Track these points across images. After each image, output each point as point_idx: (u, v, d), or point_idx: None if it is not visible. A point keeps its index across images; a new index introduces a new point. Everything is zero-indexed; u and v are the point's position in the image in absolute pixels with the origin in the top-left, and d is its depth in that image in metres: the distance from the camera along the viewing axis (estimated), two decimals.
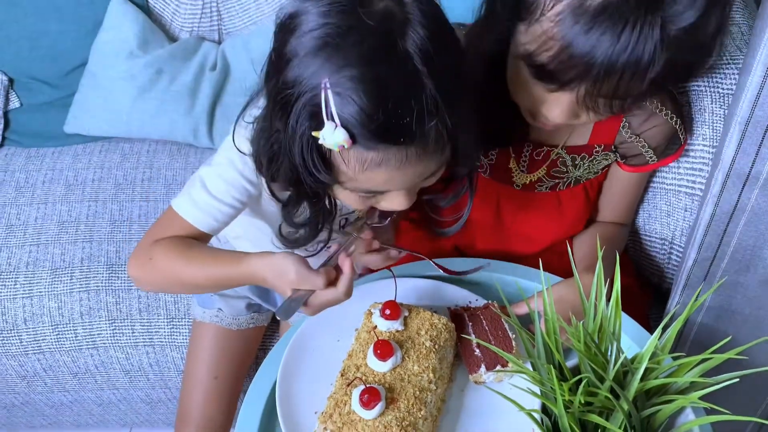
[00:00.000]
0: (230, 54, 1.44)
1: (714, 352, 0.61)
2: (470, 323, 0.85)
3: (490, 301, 0.87)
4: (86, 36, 1.40)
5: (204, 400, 1.00)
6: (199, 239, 0.79)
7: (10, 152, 1.40)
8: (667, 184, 0.96)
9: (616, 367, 0.58)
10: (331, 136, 0.61)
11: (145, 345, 1.13)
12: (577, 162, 0.92)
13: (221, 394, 1.01)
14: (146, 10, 1.44)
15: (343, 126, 0.61)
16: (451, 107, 0.63)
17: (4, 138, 1.42)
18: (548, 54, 0.68)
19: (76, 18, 1.39)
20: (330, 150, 0.64)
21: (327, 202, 0.74)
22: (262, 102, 0.75)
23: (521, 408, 0.62)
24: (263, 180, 0.75)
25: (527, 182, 0.95)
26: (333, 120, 0.60)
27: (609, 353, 0.62)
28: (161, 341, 1.13)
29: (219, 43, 1.47)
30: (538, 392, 0.65)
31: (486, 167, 0.96)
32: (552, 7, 0.66)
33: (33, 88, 1.43)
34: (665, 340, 0.62)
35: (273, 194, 0.75)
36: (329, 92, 0.60)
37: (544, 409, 0.66)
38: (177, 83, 1.38)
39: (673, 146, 0.90)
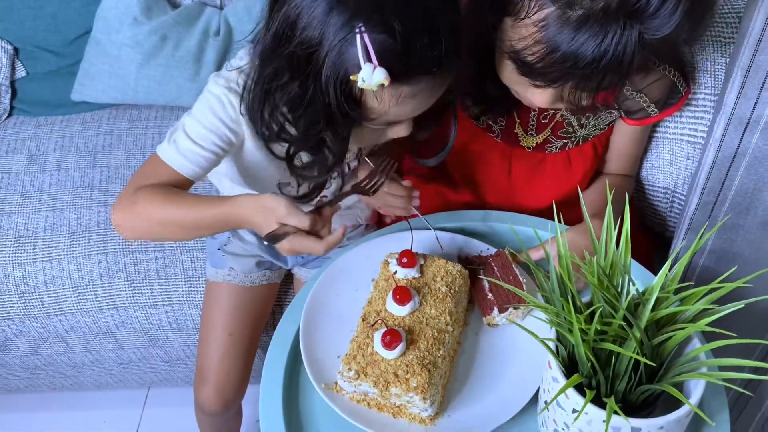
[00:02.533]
0: (233, 19, 1.45)
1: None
2: (482, 270, 0.88)
3: (501, 249, 0.90)
4: (89, 3, 1.40)
5: (220, 356, 1.04)
6: (181, 187, 0.82)
7: (18, 121, 1.42)
8: (669, 134, 0.99)
9: (628, 298, 0.62)
10: (371, 77, 0.65)
11: (164, 304, 1.17)
12: (582, 121, 0.95)
13: (237, 351, 1.04)
14: None
15: (381, 66, 0.64)
16: (461, 35, 0.70)
17: (12, 107, 1.44)
18: (535, 56, 0.71)
19: None
20: (362, 91, 0.68)
21: (337, 147, 0.76)
22: (243, 54, 0.81)
23: (536, 337, 0.66)
24: (262, 141, 0.78)
25: (536, 144, 0.98)
26: (371, 62, 0.64)
27: (620, 288, 0.65)
28: (179, 300, 1.17)
29: (221, 8, 1.48)
30: (552, 333, 0.69)
31: (498, 132, 0.99)
32: (536, 12, 0.69)
33: (38, 56, 1.44)
34: (673, 273, 0.65)
35: (272, 153, 0.79)
36: (365, 36, 0.62)
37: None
38: (182, 49, 1.39)
39: (674, 98, 0.93)
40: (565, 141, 0.97)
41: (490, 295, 0.85)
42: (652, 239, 1.11)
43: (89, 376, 1.31)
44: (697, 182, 0.86)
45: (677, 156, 0.99)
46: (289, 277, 1.16)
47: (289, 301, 0.95)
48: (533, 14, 0.69)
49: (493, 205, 1.03)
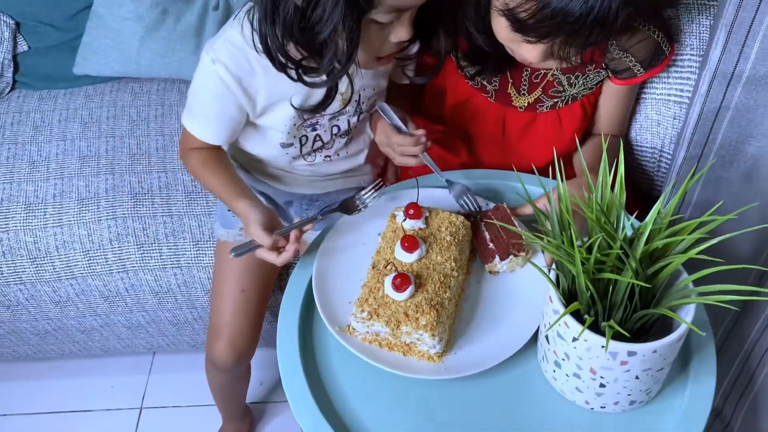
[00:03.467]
0: None
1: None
2: (482, 223, 0.93)
3: (500, 203, 0.95)
4: None
5: (233, 311, 1.08)
6: (217, 148, 0.98)
7: (22, 94, 1.44)
8: (657, 94, 1.04)
9: (624, 230, 0.67)
10: None
11: (173, 267, 1.21)
12: (572, 81, 1.00)
13: (249, 306, 1.09)
14: None
15: None
16: None
17: (15, 81, 1.46)
18: (527, 12, 0.77)
19: None
20: None
21: (347, 47, 0.81)
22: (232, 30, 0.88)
23: (539, 269, 0.71)
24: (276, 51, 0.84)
25: (527, 103, 1.03)
26: None
27: (616, 225, 0.71)
28: (188, 263, 1.21)
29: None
30: (552, 275, 0.74)
31: (491, 93, 1.04)
32: None
33: (40, 31, 1.47)
34: (666, 210, 0.71)
35: (287, 56, 0.85)
36: None
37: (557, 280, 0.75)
38: (182, 23, 1.42)
39: (658, 58, 0.98)
40: (555, 100, 1.02)
41: (491, 245, 0.91)
42: (640, 199, 1.16)
43: (98, 340, 1.35)
44: (683, 136, 0.92)
45: (664, 116, 1.05)
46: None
47: (295, 263, 1.00)
48: None
49: (489, 164, 1.08)
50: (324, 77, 0.85)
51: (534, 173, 0.93)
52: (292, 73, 0.87)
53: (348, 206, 0.96)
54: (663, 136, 1.06)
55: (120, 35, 1.41)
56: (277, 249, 0.88)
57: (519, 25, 0.80)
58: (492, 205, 0.97)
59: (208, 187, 1.00)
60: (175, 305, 1.26)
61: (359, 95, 0.99)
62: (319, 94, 0.93)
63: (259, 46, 0.86)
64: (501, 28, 0.85)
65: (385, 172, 1.19)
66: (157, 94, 1.42)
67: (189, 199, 1.23)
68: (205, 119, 0.96)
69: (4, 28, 1.43)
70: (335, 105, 0.96)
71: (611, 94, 1.03)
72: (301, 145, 1.01)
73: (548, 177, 0.97)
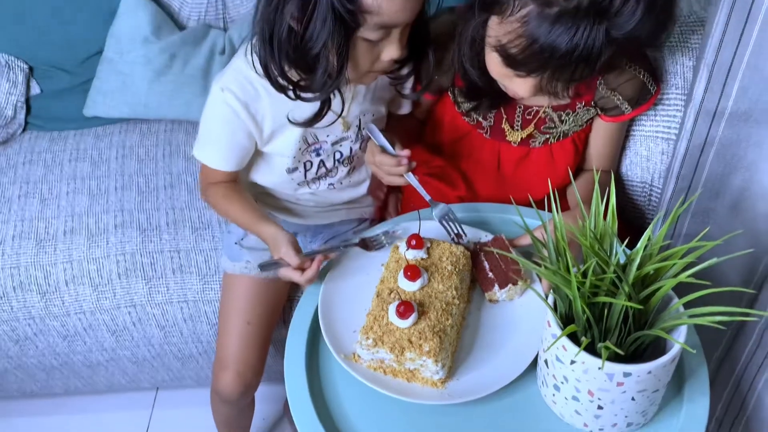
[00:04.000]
0: (237, 40, 1.54)
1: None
2: (482, 253, 0.97)
3: (498, 234, 0.99)
4: (102, 25, 1.49)
5: (239, 343, 1.10)
6: (234, 174, 1.05)
7: (33, 135, 1.49)
8: (645, 131, 1.10)
9: (617, 256, 0.71)
10: None
11: (179, 301, 1.24)
12: (563, 118, 1.06)
13: (255, 339, 1.11)
14: (156, 1, 1.54)
15: None
16: None
17: (26, 123, 1.51)
18: (517, 48, 0.83)
19: (91, 8, 1.49)
20: None
21: (336, 62, 0.87)
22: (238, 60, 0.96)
23: (537, 294, 0.74)
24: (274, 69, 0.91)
25: (520, 139, 1.08)
26: None
27: (609, 252, 0.75)
28: (194, 297, 1.23)
29: (225, 30, 1.58)
30: (550, 300, 0.78)
31: (487, 129, 1.09)
32: (519, 10, 0.82)
33: (52, 75, 1.52)
34: (656, 238, 0.75)
35: (287, 76, 0.91)
36: None
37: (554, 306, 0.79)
38: (190, 66, 1.48)
39: (645, 96, 1.04)
40: (547, 136, 1.07)
41: (490, 274, 0.94)
42: (632, 231, 1.20)
43: (103, 376, 1.37)
44: (672, 170, 0.97)
45: (653, 152, 1.10)
46: None
47: (299, 297, 1.03)
48: (516, 12, 0.82)
49: (486, 197, 1.13)
50: (319, 90, 0.92)
51: (531, 206, 0.98)
52: (290, 93, 0.93)
53: (367, 243, 1.00)
54: (652, 171, 1.11)
55: (130, 78, 1.47)
56: (302, 269, 0.93)
57: (510, 61, 0.86)
58: (491, 236, 1.00)
59: (232, 217, 1.06)
60: (180, 339, 1.28)
61: (359, 120, 1.05)
62: (326, 119, 0.98)
63: (260, 69, 0.93)
64: (494, 63, 0.91)
65: (386, 205, 1.23)
66: (165, 134, 1.47)
67: (196, 235, 1.26)
68: (215, 146, 1.02)
69: (18, 72, 1.49)
70: (337, 129, 1.02)
71: (601, 131, 1.08)
72: (306, 171, 1.07)
73: (543, 209, 1.01)
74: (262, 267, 0.96)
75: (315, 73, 0.89)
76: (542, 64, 0.83)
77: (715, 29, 0.81)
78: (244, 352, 1.10)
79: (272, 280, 1.14)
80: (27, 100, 1.51)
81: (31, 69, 1.52)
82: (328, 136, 1.04)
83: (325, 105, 0.96)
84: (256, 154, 1.05)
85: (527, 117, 1.06)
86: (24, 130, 1.51)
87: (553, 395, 0.81)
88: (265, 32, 0.89)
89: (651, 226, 0.74)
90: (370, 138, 1.05)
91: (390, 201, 1.24)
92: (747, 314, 0.69)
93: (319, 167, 1.07)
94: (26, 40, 1.49)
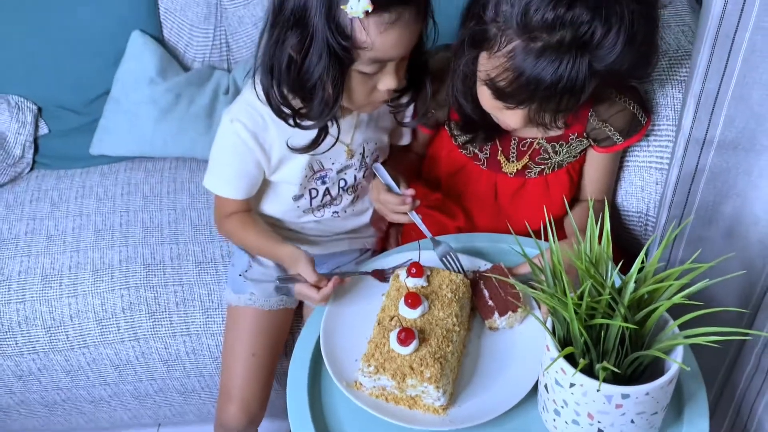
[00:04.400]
0: (240, 80, 1.59)
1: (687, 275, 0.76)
2: (481, 281, 0.99)
3: (497, 263, 1.01)
4: (109, 67, 1.53)
5: (244, 375, 1.11)
6: (248, 202, 1.09)
7: (40, 174, 1.52)
8: (639, 162, 1.12)
9: (612, 278, 0.73)
10: (358, 5, 0.83)
11: (182, 335, 1.25)
12: (557, 149, 1.09)
13: (259, 370, 1.12)
14: (162, 43, 1.59)
15: None
16: None
17: (34, 162, 1.54)
18: (505, 80, 0.88)
19: (99, 51, 1.53)
20: (352, 26, 0.86)
21: (332, 92, 0.92)
22: (247, 92, 1.00)
23: (533, 314, 0.76)
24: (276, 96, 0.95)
25: (516, 170, 1.11)
26: None
27: (605, 276, 0.77)
28: (197, 330, 1.25)
29: (228, 71, 1.62)
30: (549, 323, 0.79)
31: (483, 160, 1.13)
32: (506, 45, 0.87)
33: (60, 115, 1.56)
34: (651, 261, 0.76)
35: (288, 104, 0.96)
36: None
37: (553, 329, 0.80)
38: (195, 106, 1.52)
39: (636, 127, 1.07)
40: (542, 167, 1.10)
41: (490, 302, 0.96)
42: (629, 260, 1.22)
43: (105, 411, 1.37)
44: (664, 199, 0.99)
45: (647, 182, 1.12)
46: (300, 308, 1.25)
47: (301, 330, 1.04)
48: (504, 47, 0.86)
49: (484, 228, 1.15)
50: (316, 119, 0.96)
51: (529, 235, 1.00)
52: (290, 120, 0.97)
53: (381, 275, 1.02)
54: (647, 201, 1.14)
55: (136, 117, 1.50)
56: (317, 287, 0.96)
57: (499, 93, 0.90)
58: (490, 265, 1.02)
59: (249, 243, 1.11)
60: (183, 373, 1.29)
61: (363, 148, 1.09)
62: (324, 145, 1.03)
63: (263, 96, 0.97)
64: (485, 97, 0.95)
65: (387, 236, 1.25)
66: (170, 171, 1.50)
67: (199, 269, 1.28)
68: (225, 176, 1.07)
69: (27, 113, 1.53)
70: (342, 157, 1.06)
71: (595, 162, 1.11)
72: (312, 198, 1.10)
73: (540, 239, 1.03)
74: (280, 279, 1.00)
75: (312, 102, 0.94)
76: (529, 95, 0.87)
77: (700, 61, 0.85)
78: (249, 383, 1.11)
79: (276, 312, 1.16)
80: (35, 140, 1.54)
81: (39, 109, 1.56)
82: (333, 163, 1.07)
83: (323, 132, 0.99)
84: (264, 184, 1.08)
85: (522, 148, 1.09)
86: (32, 168, 1.53)
87: (554, 420, 0.82)
88: (267, 63, 0.93)
89: (644, 249, 0.76)
90: (375, 176, 1.08)
91: (391, 232, 1.26)
92: (742, 334, 0.71)
93: (324, 195, 1.10)
94: (36, 81, 1.53)
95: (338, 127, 1.01)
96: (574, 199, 1.16)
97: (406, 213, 1.03)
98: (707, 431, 0.81)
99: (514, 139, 1.08)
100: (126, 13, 1.53)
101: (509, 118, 0.95)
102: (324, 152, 1.04)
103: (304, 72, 0.90)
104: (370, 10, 0.83)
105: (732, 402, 0.99)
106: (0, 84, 1.53)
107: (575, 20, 0.81)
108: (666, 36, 1.12)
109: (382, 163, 1.09)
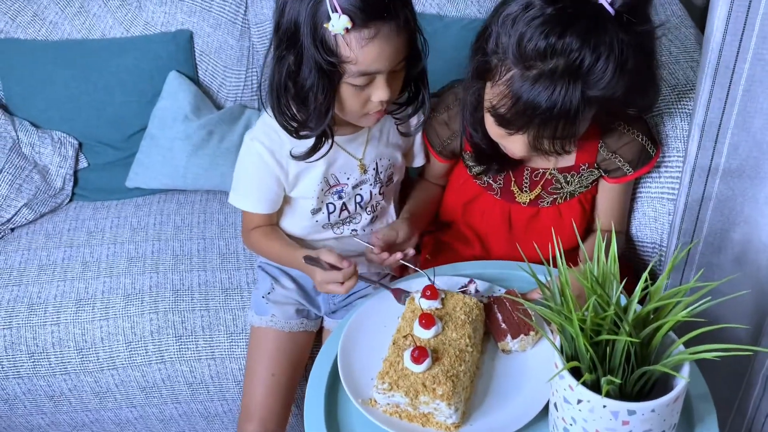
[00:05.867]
0: None
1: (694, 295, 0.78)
2: (495, 305, 1.01)
3: (510, 288, 1.04)
4: (146, 105, 1.62)
5: (264, 395, 1.15)
6: (271, 216, 1.16)
7: (78, 205, 1.60)
8: (651, 193, 1.15)
9: (617, 294, 0.75)
10: (338, 22, 0.90)
11: (207, 358, 1.29)
12: (568, 179, 1.13)
13: (279, 390, 1.16)
14: (197, 83, 1.68)
15: (344, 14, 0.90)
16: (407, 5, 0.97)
17: (73, 194, 1.63)
18: (505, 107, 0.93)
19: (137, 90, 1.63)
20: (336, 43, 0.93)
21: (323, 103, 0.99)
22: (265, 114, 1.08)
23: (543, 334, 0.78)
24: (283, 108, 1.03)
25: (529, 200, 1.15)
26: (337, 11, 0.90)
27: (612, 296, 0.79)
28: (221, 354, 1.29)
29: (259, 109, 1.70)
30: (557, 340, 0.82)
31: (497, 190, 1.17)
32: (505, 75, 0.92)
33: (99, 150, 1.65)
34: (657, 283, 0.79)
35: (293, 117, 1.03)
36: None
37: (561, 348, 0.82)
38: (226, 142, 1.60)
39: (646, 159, 1.11)
40: (555, 196, 1.14)
41: (503, 325, 0.98)
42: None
43: None
44: (674, 225, 1.02)
45: (659, 212, 1.15)
46: (320, 333, 1.28)
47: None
48: (503, 76, 0.92)
49: (498, 255, 1.18)
50: (312, 129, 1.02)
51: (542, 262, 1.03)
52: (294, 133, 1.04)
53: (400, 294, 1.05)
54: (661, 231, 1.16)
55: (170, 152, 1.58)
56: (341, 283, 1.02)
57: (500, 120, 0.95)
58: (503, 290, 1.05)
59: (273, 253, 1.17)
60: (206, 397, 1.33)
61: (376, 164, 1.15)
62: (340, 162, 1.11)
63: (270, 110, 1.04)
64: (490, 124, 1.00)
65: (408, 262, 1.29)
66: (200, 203, 1.57)
67: (225, 295, 1.33)
68: (248, 191, 1.14)
69: (68, 147, 1.62)
70: (356, 172, 1.13)
71: (607, 192, 1.14)
72: (329, 213, 1.15)
73: (558, 253, 1.06)
74: (306, 258, 1.04)
75: (309, 113, 1.01)
76: (527, 121, 0.92)
77: (702, 91, 0.89)
78: (267, 402, 1.15)
79: (296, 334, 1.20)
80: (75, 173, 1.63)
81: (80, 144, 1.65)
82: (348, 178, 1.13)
83: (320, 141, 1.06)
84: (285, 201, 1.15)
85: (534, 179, 1.13)
86: (70, 200, 1.62)
87: None
88: (271, 79, 1.01)
89: (648, 269, 0.79)
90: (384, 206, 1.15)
91: (410, 260, 1.29)
92: (745, 350, 0.72)
93: (341, 210, 1.16)
94: (78, 119, 1.63)
95: (332, 137, 1.06)
96: (588, 229, 1.19)
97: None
98: None
99: (527, 170, 1.12)
100: (164, 55, 1.63)
101: (513, 145, 1.00)
102: (320, 157, 1.08)
103: (300, 86, 0.98)
104: (349, 27, 0.91)
105: (743, 425, 0.99)
106: (45, 120, 1.63)
107: (565, 49, 0.87)
108: (675, 71, 1.16)
109: (402, 193, 1.15)
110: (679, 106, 1.12)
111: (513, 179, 1.14)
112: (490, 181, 1.15)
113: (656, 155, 1.11)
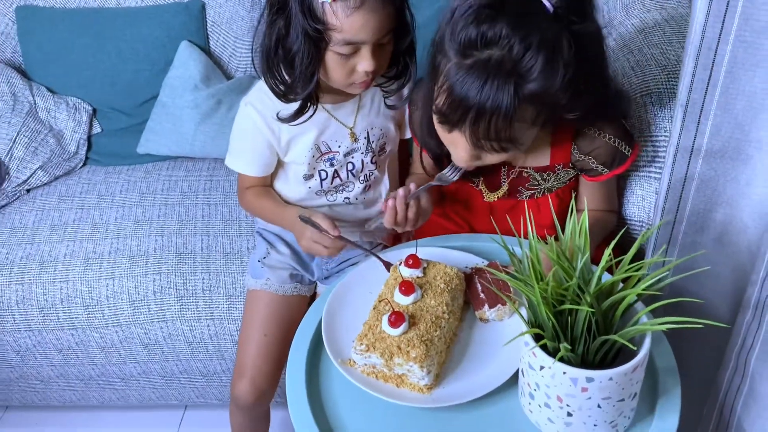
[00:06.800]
0: None
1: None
2: (476, 276, 1.04)
3: (493, 261, 1.07)
4: (158, 74, 1.67)
5: (256, 353, 1.20)
6: (264, 179, 1.21)
7: (91, 169, 1.66)
8: (640, 173, 1.16)
9: (580, 266, 0.78)
10: None
11: (206, 319, 1.34)
12: (545, 177, 1.13)
13: (270, 350, 1.21)
14: (208, 53, 1.72)
15: None
16: None
17: (87, 158, 1.68)
18: (442, 102, 0.92)
19: (150, 60, 1.67)
20: (323, 11, 0.97)
21: (308, 69, 1.02)
22: (260, 80, 1.11)
23: (512, 305, 0.81)
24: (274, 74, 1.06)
25: (500, 196, 1.17)
26: None
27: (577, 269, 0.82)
28: (220, 315, 1.34)
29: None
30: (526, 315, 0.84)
31: (476, 182, 1.19)
32: (445, 68, 0.92)
33: (112, 116, 1.71)
34: (626, 257, 0.81)
35: (282, 80, 1.06)
36: None
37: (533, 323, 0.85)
38: (234, 111, 1.61)
39: (621, 159, 1.09)
40: (532, 191, 1.15)
41: (482, 294, 1.01)
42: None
43: (135, 389, 1.47)
44: (657, 204, 1.03)
45: (647, 191, 1.16)
46: (314, 298, 1.32)
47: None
48: (444, 68, 0.92)
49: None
50: (298, 92, 1.06)
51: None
52: (282, 97, 1.07)
53: (388, 265, 1.08)
54: (648, 210, 1.17)
55: (179, 120, 1.63)
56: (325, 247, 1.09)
57: (439, 116, 0.95)
58: (487, 262, 1.08)
59: (266, 211, 1.22)
60: (206, 356, 1.38)
61: (367, 133, 1.18)
62: (331, 130, 1.15)
63: (260, 73, 1.08)
64: (438, 128, 1.00)
65: (401, 234, 1.32)
66: (207, 171, 1.61)
67: (226, 260, 1.38)
68: (242, 154, 1.19)
69: (83, 113, 1.68)
70: (346, 140, 1.17)
71: (587, 188, 1.15)
72: (321, 180, 1.19)
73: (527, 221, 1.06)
74: (302, 217, 1.10)
75: (295, 76, 1.04)
76: (462, 115, 0.90)
77: (686, 72, 0.89)
78: (259, 361, 1.20)
79: (289, 298, 1.24)
80: (89, 138, 1.69)
81: (94, 110, 1.70)
82: (339, 146, 1.17)
83: (306, 105, 1.09)
84: (278, 166, 1.20)
85: (512, 175, 1.14)
86: (84, 164, 1.68)
87: (529, 404, 0.86)
88: (262, 44, 1.05)
89: (612, 244, 0.81)
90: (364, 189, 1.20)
91: (403, 234, 1.33)
92: (697, 323, 0.74)
93: (333, 177, 1.19)
94: (93, 85, 1.68)
95: (316, 102, 1.10)
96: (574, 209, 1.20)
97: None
98: (676, 426, 0.84)
99: (504, 168, 1.13)
100: (176, 26, 1.67)
101: (456, 148, 0.99)
102: (305, 120, 1.11)
103: (287, 50, 1.02)
104: None
105: (716, 403, 1.01)
106: (61, 86, 1.68)
107: (496, 37, 0.86)
108: (667, 52, 1.16)
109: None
110: (669, 86, 1.12)
111: (483, 180, 1.15)
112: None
113: (632, 155, 1.09)
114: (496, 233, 1.17)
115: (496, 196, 1.16)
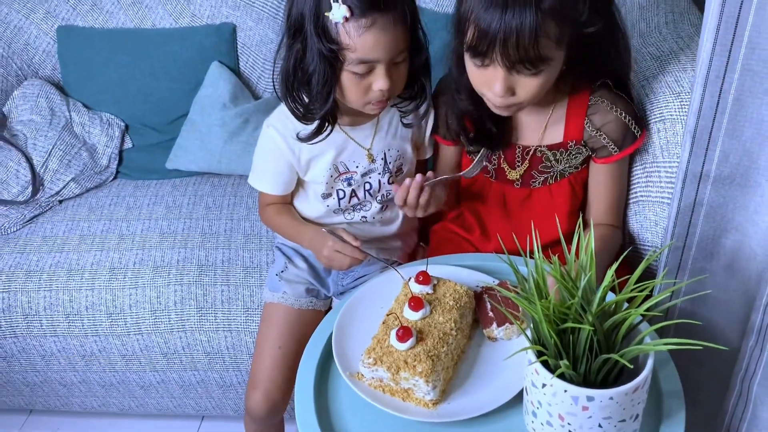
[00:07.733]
0: None
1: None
2: (486, 294, 1.06)
3: (504, 280, 1.09)
4: (189, 92, 1.73)
5: (270, 366, 1.23)
6: (285, 197, 1.26)
7: (121, 183, 1.72)
8: (652, 197, 1.17)
9: (582, 285, 0.79)
10: (338, 11, 0.99)
11: (224, 330, 1.38)
12: (557, 156, 1.17)
13: (284, 362, 1.23)
14: (237, 74, 1.77)
15: (344, 3, 0.99)
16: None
17: (118, 171, 1.75)
18: (471, 35, 0.98)
19: (181, 78, 1.74)
20: (337, 31, 1.01)
21: (324, 89, 1.06)
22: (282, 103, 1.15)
23: (515, 322, 0.83)
24: (293, 96, 1.11)
25: (520, 176, 1.20)
26: (337, 1, 0.99)
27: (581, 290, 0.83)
28: (238, 327, 1.37)
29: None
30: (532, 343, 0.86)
31: (491, 173, 1.22)
32: (470, 7, 0.97)
33: (143, 132, 1.77)
34: (631, 279, 0.82)
35: (301, 102, 1.11)
36: None
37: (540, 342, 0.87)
38: (260, 130, 1.68)
39: (631, 139, 1.15)
40: (545, 176, 1.19)
41: (491, 313, 1.03)
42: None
43: (154, 398, 1.51)
44: (667, 229, 1.04)
45: (660, 216, 1.17)
46: (331, 308, 1.35)
47: None
48: (469, 5, 0.98)
49: (496, 240, 1.23)
50: (316, 113, 1.10)
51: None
52: (302, 119, 1.11)
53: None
54: (661, 235, 1.18)
55: (207, 137, 1.68)
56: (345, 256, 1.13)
57: (471, 51, 1.00)
58: (497, 281, 1.10)
59: (285, 228, 1.26)
60: (222, 367, 1.42)
61: (384, 154, 1.21)
62: (349, 151, 1.18)
63: (281, 95, 1.13)
64: (471, 70, 1.04)
65: (415, 252, 1.35)
66: (232, 187, 1.66)
67: (245, 273, 1.42)
68: (263, 174, 1.24)
69: (115, 128, 1.74)
70: (364, 161, 1.20)
71: (597, 176, 1.18)
72: (339, 199, 1.23)
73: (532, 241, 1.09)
74: (328, 229, 1.16)
75: (312, 96, 1.08)
76: (491, 41, 0.96)
77: (694, 98, 0.91)
78: (273, 373, 1.22)
79: (305, 312, 1.27)
80: (120, 153, 1.75)
81: (126, 126, 1.77)
82: (357, 166, 1.21)
83: (324, 123, 1.13)
84: (299, 184, 1.24)
85: (525, 156, 1.18)
86: (114, 177, 1.74)
87: (532, 422, 0.87)
88: (283, 66, 1.09)
89: (615, 266, 0.82)
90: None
91: (418, 250, 1.36)
92: (695, 344, 0.75)
93: (351, 196, 1.23)
94: (126, 102, 1.75)
95: (334, 122, 1.14)
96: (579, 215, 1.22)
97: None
98: None
99: (519, 148, 1.18)
100: (208, 47, 1.74)
101: (493, 84, 1.02)
102: (321, 139, 1.15)
103: (304, 71, 1.06)
104: (348, 16, 0.99)
105: (722, 429, 1.00)
106: (96, 102, 1.76)
107: None
108: (681, 80, 1.18)
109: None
110: (682, 113, 1.13)
111: (503, 156, 1.19)
112: (486, 163, 1.20)
113: (641, 137, 1.15)
114: (510, 234, 1.20)
115: (518, 174, 1.20)
